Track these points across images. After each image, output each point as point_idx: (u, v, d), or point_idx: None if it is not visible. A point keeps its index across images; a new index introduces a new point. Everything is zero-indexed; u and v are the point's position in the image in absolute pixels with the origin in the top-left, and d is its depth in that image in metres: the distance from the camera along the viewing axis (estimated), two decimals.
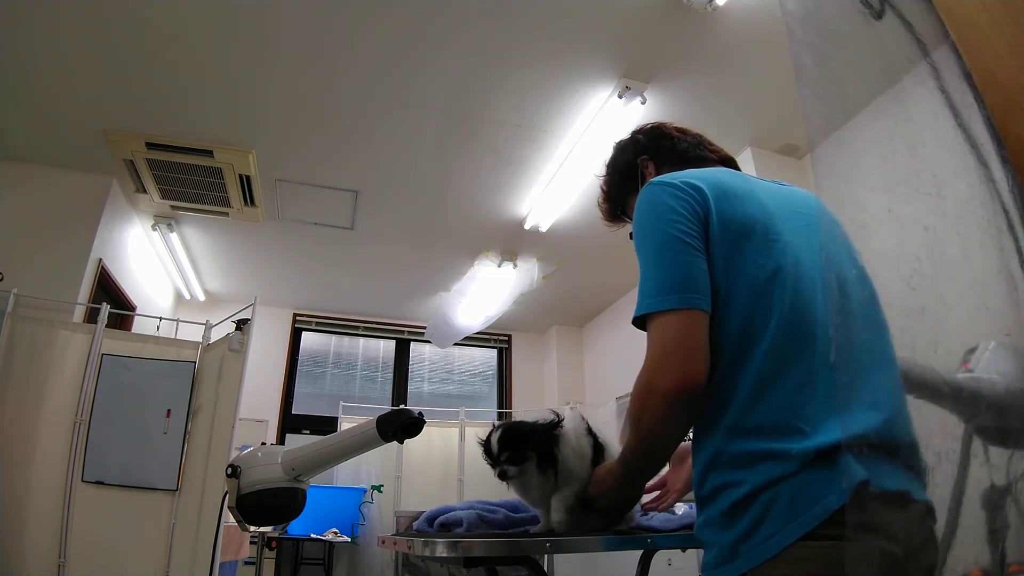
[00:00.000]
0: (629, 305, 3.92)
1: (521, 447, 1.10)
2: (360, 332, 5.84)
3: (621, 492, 1.03)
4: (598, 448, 1.13)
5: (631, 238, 0.94)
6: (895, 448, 0.74)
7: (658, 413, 0.80)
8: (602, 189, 1.22)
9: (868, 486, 0.68)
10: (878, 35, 0.68)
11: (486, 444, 1.12)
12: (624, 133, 1.21)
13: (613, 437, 1.18)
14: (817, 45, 0.63)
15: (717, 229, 0.84)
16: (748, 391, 0.78)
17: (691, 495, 0.91)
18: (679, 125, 1.15)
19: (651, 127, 1.17)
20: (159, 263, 4.53)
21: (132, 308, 3.96)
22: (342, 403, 5.12)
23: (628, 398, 0.91)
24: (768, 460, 0.73)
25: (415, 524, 1.28)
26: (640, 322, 0.84)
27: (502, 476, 1.11)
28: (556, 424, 1.11)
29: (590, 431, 1.15)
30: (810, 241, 0.87)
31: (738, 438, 0.77)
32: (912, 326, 0.61)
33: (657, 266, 0.84)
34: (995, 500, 0.59)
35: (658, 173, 1.09)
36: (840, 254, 0.89)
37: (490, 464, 1.13)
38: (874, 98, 0.64)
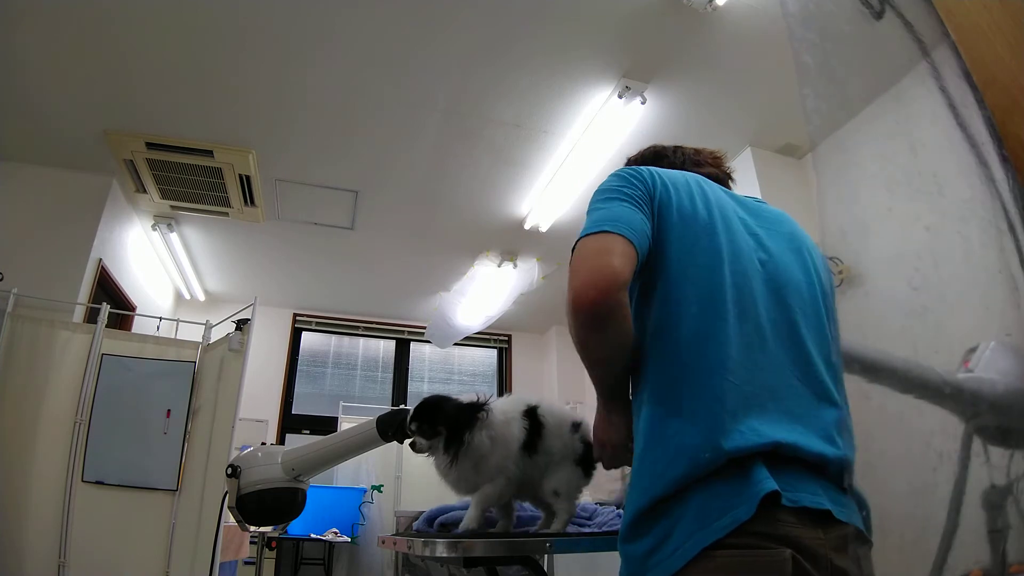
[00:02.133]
0: None
1: (433, 420, 1.04)
2: (360, 332, 5.84)
3: (606, 425, 0.98)
4: (535, 430, 1.06)
5: None
6: (820, 466, 0.73)
7: (572, 329, 0.82)
8: None
9: (779, 498, 0.68)
10: (879, 35, 0.68)
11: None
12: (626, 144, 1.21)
13: (564, 420, 1.10)
14: (818, 45, 0.63)
15: (663, 204, 0.87)
16: (690, 371, 0.78)
17: None
18: (671, 145, 1.16)
19: (631, 160, 1.18)
20: (159, 263, 4.53)
21: (132, 308, 3.96)
22: (342, 403, 5.12)
23: None
24: (690, 454, 0.73)
25: (415, 524, 1.27)
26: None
27: (412, 447, 1.06)
28: (478, 406, 1.04)
29: (529, 414, 1.07)
30: (760, 242, 0.90)
31: (668, 421, 0.77)
32: (913, 326, 0.61)
33: (594, 214, 0.86)
34: (995, 500, 0.59)
35: None
36: (790, 266, 0.89)
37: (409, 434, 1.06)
38: (875, 97, 0.64)
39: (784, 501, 0.69)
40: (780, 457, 0.72)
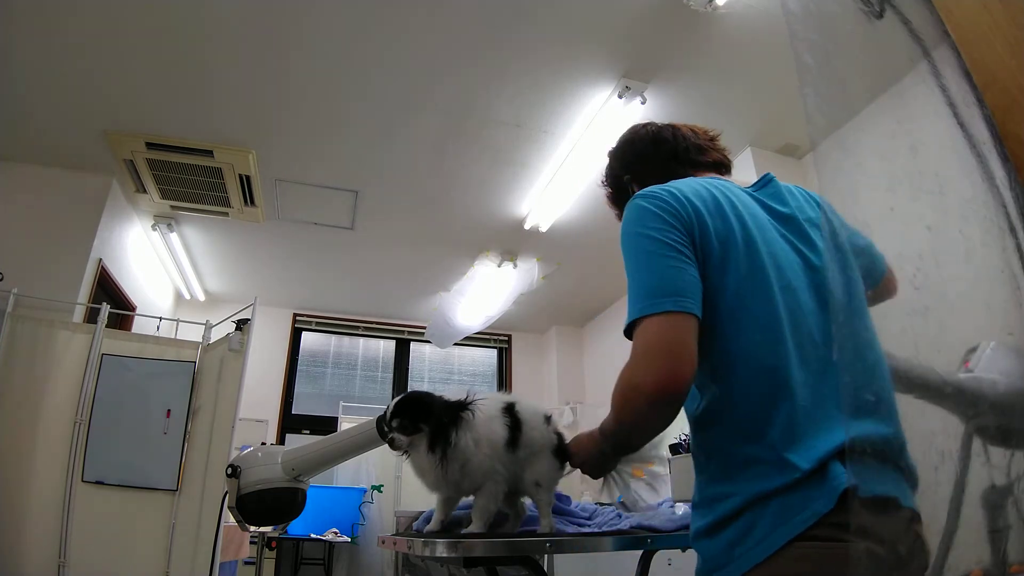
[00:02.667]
0: None
1: (415, 417, 1.02)
2: (360, 332, 5.84)
3: (597, 459, 1.03)
4: (515, 426, 1.06)
5: None
6: (885, 453, 0.75)
7: (640, 411, 0.80)
8: (608, 199, 1.20)
9: (856, 491, 0.70)
10: (879, 35, 0.68)
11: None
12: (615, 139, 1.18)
13: (538, 413, 1.12)
14: (819, 44, 0.63)
15: (703, 237, 0.84)
16: (758, 402, 0.78)
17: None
18: (668, 128, 1.11)
19: (624, 141, 1.15)
20: (159, 263, 4.53)
21: (132, 308, 3.96)
22: (342, 403, 5.12)
23: None
24: (767, 472, 0.75)
25: (415, 524, 1.27)
26: (630, 331, 0.82)
27: (390, 444, 1.04)
28: (461, 405, 1.03)
29: (508, 411, 1.07)
30: (795, 246, 0.88)
31: (743, 448, 0.78)
32: (915, 326, 0.61)
33: (643, 273, 0.83)
34: (996, 500, 0.59)
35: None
36: (821, 260, 0.88)
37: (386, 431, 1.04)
38: (876, 97, 0.64)
39: (860, 493, 0.70)
40: (852, 450, 0.74)
